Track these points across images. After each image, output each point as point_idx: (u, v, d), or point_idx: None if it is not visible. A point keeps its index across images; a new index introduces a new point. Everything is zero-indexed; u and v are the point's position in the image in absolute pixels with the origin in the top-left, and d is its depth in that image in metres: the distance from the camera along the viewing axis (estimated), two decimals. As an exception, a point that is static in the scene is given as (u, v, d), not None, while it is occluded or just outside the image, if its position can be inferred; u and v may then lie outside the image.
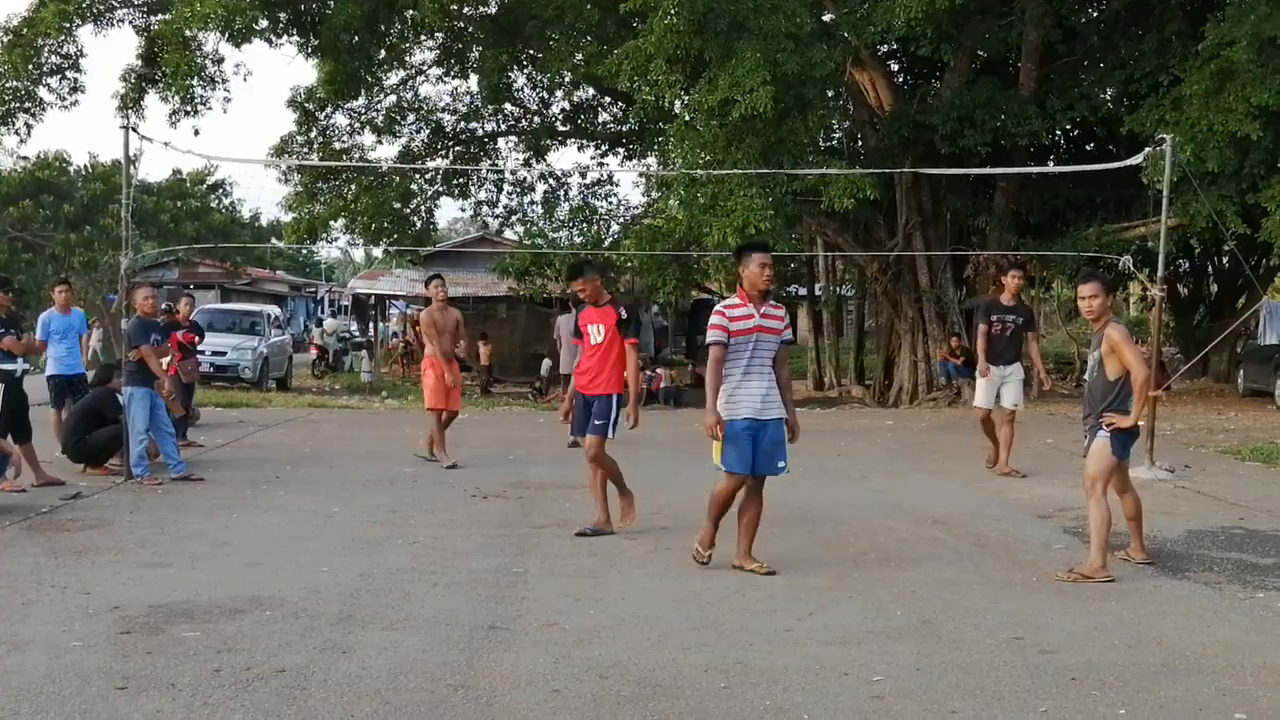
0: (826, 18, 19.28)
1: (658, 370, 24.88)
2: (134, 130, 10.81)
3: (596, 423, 7.87)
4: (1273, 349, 18.84)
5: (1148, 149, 13.36)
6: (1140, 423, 7.08)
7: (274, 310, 29.51)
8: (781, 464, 6.67)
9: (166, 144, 11.57)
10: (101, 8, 21.12)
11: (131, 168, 10.88)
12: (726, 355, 6.55)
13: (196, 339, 13.82)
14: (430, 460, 11.52)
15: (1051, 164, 22.75)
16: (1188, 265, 26.65)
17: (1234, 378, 22.22)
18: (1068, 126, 21.61)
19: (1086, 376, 7.14)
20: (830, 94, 19.62)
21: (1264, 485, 10.45)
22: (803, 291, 30.98)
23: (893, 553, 7.41)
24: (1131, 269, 15.93)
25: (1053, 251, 19.37)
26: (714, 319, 6.63)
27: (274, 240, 43.94)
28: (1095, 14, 21.48)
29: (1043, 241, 20.14)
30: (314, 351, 31.89)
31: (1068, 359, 27.69)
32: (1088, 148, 23.07)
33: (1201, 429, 15.24)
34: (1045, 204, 21.13)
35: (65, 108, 21.64)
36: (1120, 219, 19.82)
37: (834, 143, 22.05)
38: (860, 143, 22.23)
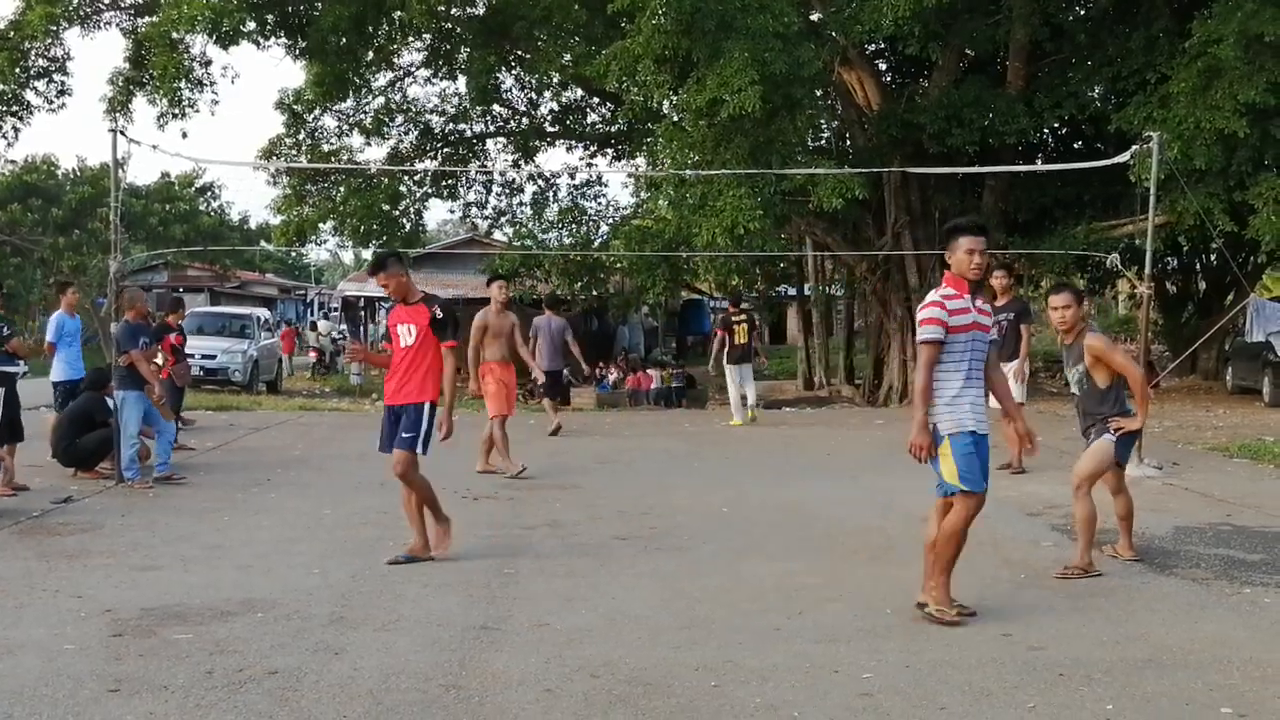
0: (814, 17, 19.29)
1: (648, 371, 24.97)
2: (122, 133, 10.82)
3: (404, 435, 6.95)
4: (1260, 346, 18.91)
5: (1135, 147, 13.36)
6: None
7: (264, 313, 29.48)
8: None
9: (154, 147, 11.61)
10: (89, 10, 21.08)
11: (120, 171, 10.88)
12: (942, 356, 5.56)
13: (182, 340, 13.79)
14: (519, 475, 10.56)
15: (1039, 162, 22.80)
16: (1176, 263, 26.73)
17: (1222, 375, 22.30)
18: (1055, 125, 21.62)
19: (1075, 391, 7.04)
20: (818, 93, 19.65)
21: (1251, 482, 10.48)
22: (792, 291, 31.05)
23: (883, 551, 7.45)
24: (1119, 267, 16.01)
25: (1041, 250, 19.43)
26: (930, 311, 5.54)
27: (263, 243, 43.87)
28: (1083, 12, 21.49)
29: (1031, 240, 20.17)
30: (312, 355, 31.89)
31: (1056, 357, 27.74)
32: (1075, 146, 23.05)
33: (1190, 426, 15.29)
34: (1033, 202, 21.12)
35: (53, 111, 21.68)
36: (1108, 217, 19.86)
37: (822, 142, 22.08)
38: (848, 142, 22.27)
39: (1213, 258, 24.97)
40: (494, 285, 11.18)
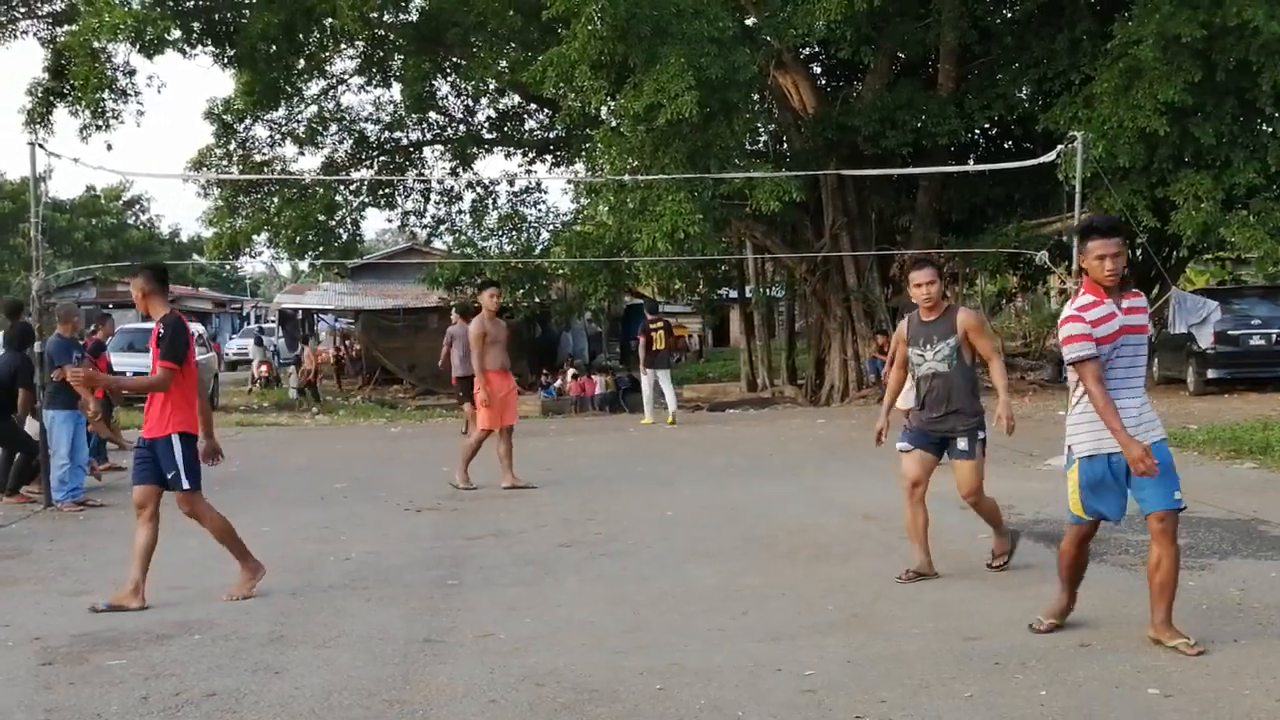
0: (749, 21, 19.42)
1: (592, 376, 24.92)
2: (41, 146, 10.57)
3: (167, 476, 6.32)
4: (1183, 338, 19.44)
5: (1061, 146, 13.66)
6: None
7: (198, 328, 28.94)
8: (1178, 494, 5.09)
9: (76, 160, 11.35)
10: (3, 19, 20.52)
11: (41, 185, 10.61)
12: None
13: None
14: (464, 487, 10.38)
15: (971, 162, 23.14)
16: (1103, 259, 27.14)
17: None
18: (985, 125, 22.01)
19: (933, 369, 6.46)
20: (754, 98, 19.76)
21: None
22: (734, 294, 31.18)
23: (824, 549, 7.50)
24: (1049, 263, 16.35)
25: (974, 248, 19.74)
26: (1069, 328, 5.00)
27: (195, 256, 43.20)
28: (1009, 15, 21.89)
29: (964, 239, 20.52)
30: (264, 370, 31.26)
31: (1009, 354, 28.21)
32: (1005, 146, 23.44)
33: None
34: (966, 202, 21.48)
35: (-32, 125, 21.09)
36: (1038, 214, 20.27)
37: (760, 146, 22.24)
38: (785, 145, 22.43)
39: (1137, 253, 25.53)
40: (486, 292, 10.77)
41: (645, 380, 17.32)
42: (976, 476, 6.47)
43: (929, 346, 6.47)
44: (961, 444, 6.43)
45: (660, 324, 17.19)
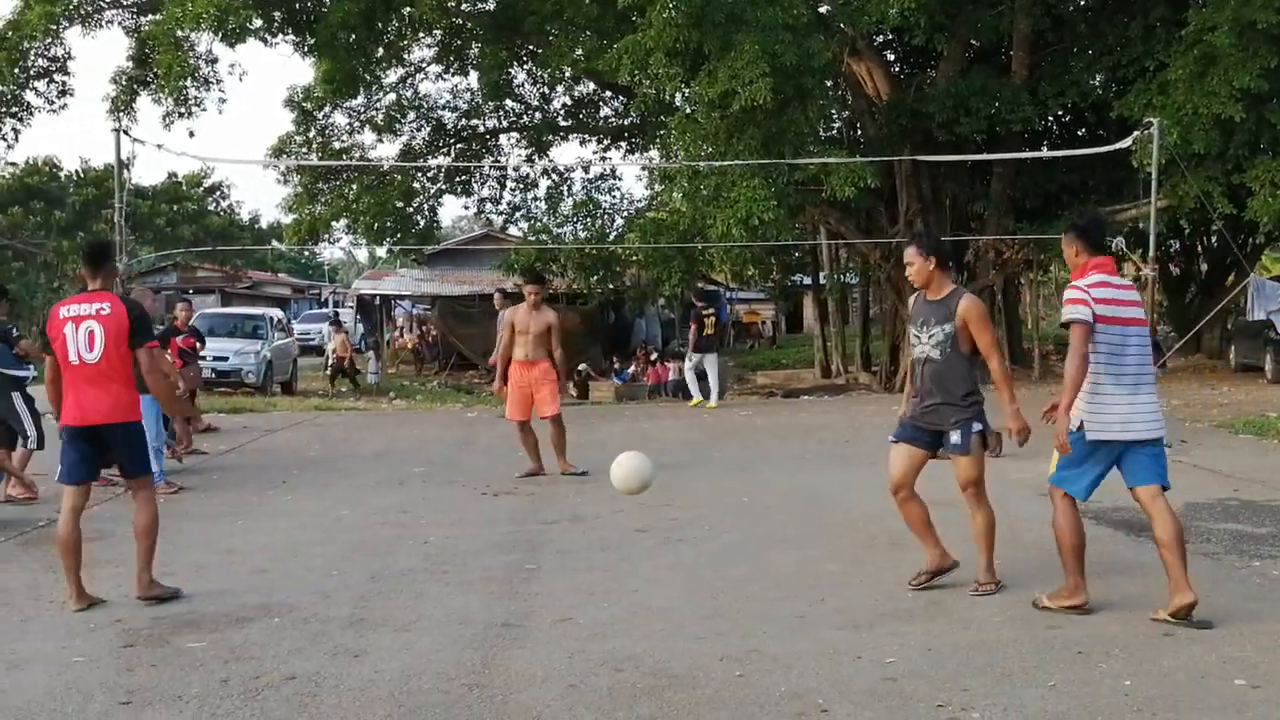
0: (823, 9, 19.37)
1: (666, 363, 24.95)
2: (125, 133, 10.78)
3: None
4: (1261, 325, 19.14)
5: (1136, 133, 13.50)
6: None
7: (277, 313, 29.37)
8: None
9: (159, 146, 11.58)
10: (89, 9, 20.88)
11: (124, 171, 10.82)
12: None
13: (197, 344, 13.59)
14: (579, 474, 10.19)
15: (1045, 149, 22.95)
16: (1178, 245, 27.06)
17: (1226, 353, 22.57)
18: (1059, 112, 21.92)
19: (926, 354, 5.95)
20: (829, 84, 19.67)
21: (1257, 457, 10.64)
22: (807, 280, 30.99)
23: (901, 536, 7.32)
24: (1125, 250, 16.14)
25: (1049, 235, 19.46)
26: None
27: (275, 242, 43.81)
28: (1082, 2, 21.81)
29: (1039, 225, 20.26)
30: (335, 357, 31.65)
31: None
32: (1079, 133, 23.33)
33: (1196, 404, 15.43)
34: (1040, 188, 21.40)
35: (54, 111, 21.43)
36: (1112, 202, 19.99)
37: (834, 132, 22.08)
38: (860, 132, 22.28)
39: (1213, 239, 25.32)
40: (525, 288, 10.73)
41: (688, 364, 18.08)
42: (974, 469, 5.95)
43: (925, 329, 5.96)
44: (954, 438, 5.91)
45: (712, 312, 17.83)
